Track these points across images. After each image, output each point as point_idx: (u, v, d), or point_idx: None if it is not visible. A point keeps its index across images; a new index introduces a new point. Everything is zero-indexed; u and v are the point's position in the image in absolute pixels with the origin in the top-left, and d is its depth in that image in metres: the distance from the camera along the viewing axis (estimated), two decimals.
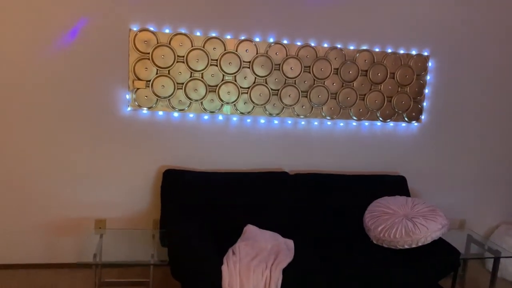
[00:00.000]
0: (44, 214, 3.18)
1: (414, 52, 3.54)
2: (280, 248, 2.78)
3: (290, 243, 2.90)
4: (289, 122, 3.47)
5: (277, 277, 2.53)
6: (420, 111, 3.63)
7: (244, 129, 3.40)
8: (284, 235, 3.01)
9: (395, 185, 3.52)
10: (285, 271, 2.59)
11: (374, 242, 3.05)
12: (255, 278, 2.51)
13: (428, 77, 3.61)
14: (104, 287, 3.00)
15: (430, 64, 3.59)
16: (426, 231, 2.88)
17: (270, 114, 3.38)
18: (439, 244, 2.92)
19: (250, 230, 2.97)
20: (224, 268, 2.52)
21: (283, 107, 3.39)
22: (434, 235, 2.89)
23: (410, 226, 2.92)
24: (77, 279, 3.10)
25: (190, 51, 3.14)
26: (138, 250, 2.92)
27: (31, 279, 3.06)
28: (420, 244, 2.88)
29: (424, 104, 3.65)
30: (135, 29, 3.07)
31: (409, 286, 2.88)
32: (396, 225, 2.97)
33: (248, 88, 3.29)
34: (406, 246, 2.90)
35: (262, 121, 3.42)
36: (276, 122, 3.44)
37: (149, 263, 2.68)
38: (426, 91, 3.63)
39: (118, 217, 3.28)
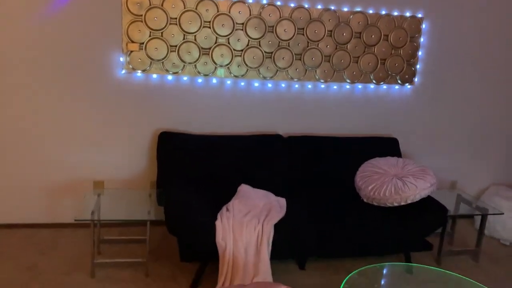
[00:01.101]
0: (44, 176, 3.26)
1: (408, 14, 3.53)
2: (272, 205, 2.87)
3: (282, 201, 2.99)
4: (283, 85, 3.50)
5: (269, 232, 2.63)
6: (413, 74, 3.66)
7: (238, 92, 3.43)
8: (278, 195, 3.09)
9: (387, 147, 3.59)
10: (276, 226, 2.68)
11: (365, 201, 3.13)
12: (247, 233, 2.60)
13: (421, 39, 3.61)
14: (103, 244, 3.10)
15: (423, 26, 3.59)
16: (415, 189, 2.95)
17: (264, 77, 3.41)
18: (428, 202, 3.00)
19: (244, 189, 3.05)
20: (218, 223, 2.61)
21: (277, 70, 3.41)
22: (423, 193, 2.97)
23: (400, 184, 3.00)
24: (77, 237, 3.21)
25: (183, 13, 3.14)
26: (135, 209, 3.00)
27: (33, 238, 3.17)
28: (409, 201, 2.96)
29: (418, 66, 3.66)
30: None
31: (398, 242, 2.98)
32: (386, 184, 3.04)
33: (242, 50, 3.31)
34: (396, 204, 2.99)
35: (256, 84, 3.45)
36: (270, 85, 3.47)
37: (146, 220, 2.76)
38: (420, 53, 3.64)
39: (115, 179, 3.35)
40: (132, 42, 3.13)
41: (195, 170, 3.18)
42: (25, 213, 3.29)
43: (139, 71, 3.20)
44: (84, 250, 3.03)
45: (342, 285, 2.09)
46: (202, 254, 2.67)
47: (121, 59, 3.17)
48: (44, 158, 3.23)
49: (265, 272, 2.54)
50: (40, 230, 3.28)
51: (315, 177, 3.38)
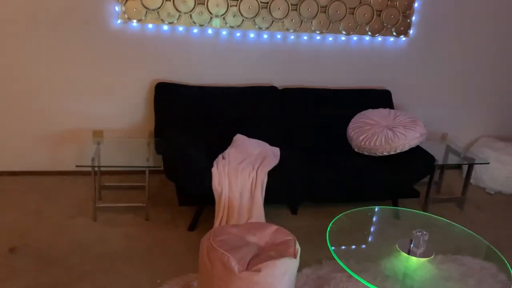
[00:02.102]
0: (44, 125, 3.34)
1: None
2: (267, 154, 2.98)
3: (277, 150, 3.09)
4: (279, 36, 3.51)
5: (262, 178, 2.75)
6: (408, 26, 3.66)
7: (234, 43, 3.45)
8: (272, 144, 3.19)
9: (380, 99, 3.66)
10: (270, 173, 2.80)
11: (356, 150, 3.24)
12: (242, 179, 2.72)
13: None
14: (104, 190, 3.23)
15: None
16: (405, 139, 3.05)
17: (260, 28, 3.41)
18: (416, 151, 3.11)
19: (239, 138, 3.14)
20: (214, 170, 2.72)
21: (273, 21, 3.41)
22: (412, 143, 3.07)
23: (390, 135, 3.09)
24: (79, 184, 3.34)
25: None
26: (134, 157, 3.10)
27: (36, 184, 3.29)
28: (398, 151, 3.07)
29: (413, 18, 3.67)
30: None
31: (386, 188, 3.12)
32: (377, 134, 3.14)
33: (237, 0, 3.30)
34: (385, 153, 3.09)
35: (252, 35, 3.46)
36: (265, 36, 3.49)
37: (145, 166, 2.87)
38: (416, 5, 3.63)
39: (114, 128, 3.44)
40: None
41: (192, 120, 3.26)
42: (28, 161, 3.40)
43: (135, 21, 3.20)
44: (86, 195, 3.16)
45: (329, 226, 2.22)
46: (199, 198, 2.81)
47: (117, 8, 3.16)
48: (44, 107, 3.30)
49: (258, 215, 2.69)
50: (42, 177, 3.40)
51: (309, 128, 3.47)
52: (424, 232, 2.04)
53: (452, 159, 3.55)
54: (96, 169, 3.00)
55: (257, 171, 2.77)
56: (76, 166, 2.76)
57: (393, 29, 3.64)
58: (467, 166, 3.45)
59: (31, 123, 3.32)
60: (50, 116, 3.33)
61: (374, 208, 2.64)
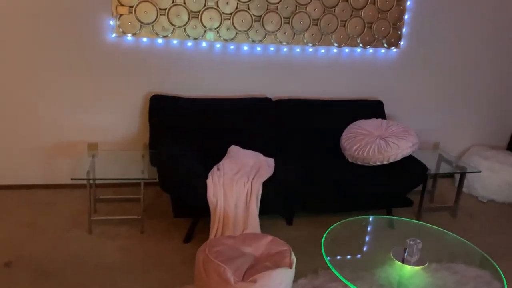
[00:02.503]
0: (39, 138, 3.35)
1: None
2: (261, 164, 3.00)
3: (271, 161, 3.11)
4: (272, 49, 3.56)
5: (258, 189, 2.77)
6: (399, 37, 3.73)
7: (228, 56, 3.50)
8: (267, 155, 3.21)
9: (372, 109, 3.70)
10: (265, 183, 2.82)
11: (350, 160, 3.28)
12: (237, 190, 2.74)
13: (408, 3, 3.67)
14: (99, 203, 3.24)
15: None
16: (397, 149, 3.10)
17: (253, 41, 3.46)
18: (409, 161, 3.15)
19: (234, 149, 3.17)
20: (209, 181, 2.74)
21: (266, 34, 3.46)
22: (405, 152, 3.11)
23: (383, 144, 3.13)
24: (74, 197, 3.34)
25: None
26: (129, 169, 3.11)
27: (31, 198, 3.29)
28: (391, 160, 3.11)
29: (404, 30, 3.74)
30: None
31: (380, 198, 3.15)
32: (370, 144, 3.18)
33: (231, 14, 3.35)
34: (378, 163, 3.13)
35: (245, 48, 3.51)
36: (259, 49, 3.53)
37: (139, 179, 2.88)
38: (406, 17, 3.70)
39: (109, 141, 3.45)
40: (122, 5, 3.15)
41: (186, 132, 3.28)
42: (23, 174, 3.40)
43: (129, 35, 3.24)
44: (81, 208, 3.16)
45: (324, 236, 2.24)
46: (194, 210, 2.82)
47: (111, 22, 3.20)
48: (39, 120, 3.31)
49: (254, 225, 2.70)
50: (37, 191, 3.40)
51: (303, 138, 3.50)
52: (418, 241, 2.06)
53: (444, 168, 3.59)
54: (91, 182, 3.00)
55: (252, 182, 2.79)
56: (72, 179, 2.77)
57: (384, 41, 3.70)
58: (459, 175, 3.49)
59: (26, 136, 3.33)
60: (44, 129, 3.34)
61: (369, 218, 2.67)
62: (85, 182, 2.82)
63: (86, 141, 3.40)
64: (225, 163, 2.96)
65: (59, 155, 3.41)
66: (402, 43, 3.77)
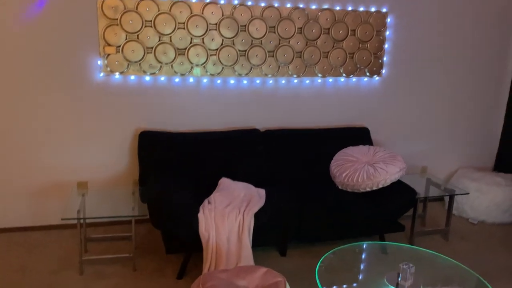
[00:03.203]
0: (28, 179, 3.33)
1: (373, 9, 3.71)
2: (252, 196, 3.01)
3: (262, 191, 3.13)
4: (258, 81, 3.64)
5: (249, 221, 2.77)
6: (380, 66, 3.85)
7: (215, 90, 3.56)
8: (257, 186, 3.22)
9: (359, 136, 3.77)
10: (257, 215, 2.82)
11: (340, 187, 3.30)
12: (229, 223, 2.74)
13: (387, 33, 3.81)
14: (90, 242, 3.19)
15: (388, 20, 3.78)
16: (386, 174, 3.14)
17: (239, 75, 3.54)
18: (398, 186, 3.18)
19: (224, 182, 3.18)
20: (200, 215, 2.74)
21: (251, 67, 3.55)
22: (393, 177, 3.15)
23: (371, 170, 3.17)
24: (64, 238, 3.29)
25: (157, 15, 3.25)
26: (120, 207, 3.09)
27: (20, 241, 3.23)
28: (380, 186, 3.14)
29: (385, 59, 3.86)
30: None
31: (372, 224, 3.16)
32: (358, 170, 3.22)
33: (216, 50, 3.43)
34: (368, 189, 3.16)
35: (232, 81, 3.58)
36: (245, 82, 3.61)
37: (130, 216, 2.86)
38: (386, 46, 3.83)
39: (99, 179, 3.44)
40: (109, 45, 3.22)
41: (176, 166, 3.29)
42: (12, 216, 3.35)
43: (117, 73, 3.29)
44: (72, 249, 3.11)
45: (318, 265, 2.24)
46: (186, 245, 2.79)
47: (99, 62, 3.26)
48: (28, 161, 3.30)
49: (247, 258, 2.68)
50: (27, 233, 3.34)
51: (293, 168, 3.53)
52: (411, 265, 2.07)
53: (433, 192, 3.63)
54: (82, 221, 2.98)
55: (243, 214, 2.79)
56: (62, 219, 2.74)
57: (366, 70, 3.81)
58: (448, 197, 3.53)
59: (14, 178, 3.30)
60: (33, 169, 3.32)
61: (361, 244, 2.67)
62: (75, 222, 2.79)
63: (76, 180, 3.39)
64: (216, 196, 2.96)
65: (49, 196, 3.39)
66: (383, 71, 3.88)
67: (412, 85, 4.01)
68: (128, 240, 3.22)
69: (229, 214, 2.77)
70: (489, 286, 2.20)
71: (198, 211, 2.77)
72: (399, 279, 2.08)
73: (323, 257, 2.30)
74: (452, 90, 4.13)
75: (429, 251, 2.64)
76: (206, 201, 2.93)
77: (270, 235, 2.94)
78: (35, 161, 3.31)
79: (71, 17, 3.15)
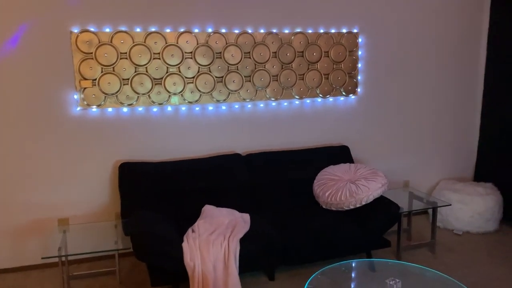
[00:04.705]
0: (6, 219, 3.24)
1: (344, 30, 3.81)
2: (237, 221, 2.99)
3: (246, 216, 3.11)
4: (236, 106, 3.67)
5: (235, 247, 2.73)
6: (355, 85, 3.92)
7: (194, 117, 3.57)
8: (241, 211, 3.21)
9: (340, 155, 3.80)
10: (242, 240, 2.79)
11: (324, 207, 3.31)
12: (214, 250, 2.70)
13: (359, 53, 3.90)
14: (73, 280, 3.10)
15: (360, 40, 3.88)
16: (368, 191, 3.16)
17: (217, 101, 3.56)
18: (381, 201, 3.20)
19: (208, 209, 3.15)
20: (184, 245, 2.70)
21: (229, 93, 3.58)
22: (375, 193, 3.18)
23: (353, 188, 3.19)
24: (46, 277, 3.19)
25: (132, 47, 3.28)
26: (102, 241, 3.03)
27: (1, 283, 3.12)
28: (363, 203, 3.16)
29: (359, 77, 3.94)
30: (75, 30, 3.17)
31: (357, 242, 3.15)
32: (341, 189, 3.23)
33: (193, 77, 3.46)
34: (351, 207, 3.18)
35: (211, 108, 3.60)
36: (224, 107, 3.63)
37: (113, 250, 2.80)
38: (359, 65, 3.92)
39: (80, 214, 3.38)
40: (85, 79, 3.22)
41: (158, 197, 3.25)
42: None
43: (94, 107, 3.28)
44: None
45: (306, 286, 2.22)
46: (172, 276, 2.74)
47: (75, 96, 3.25)
48: (5, 200, 3.22)
49: (234, 285, 2.64)
50: (7, 275, 3.24)
51: (276, 190, 3.52)
52: (397, 280, 2.06)
53: (417, 205, 3.66)
54: (64, 259, 2.90)
55: (228, 240, 2.76)
56: (42, 258, 2.67)
57: (342, 89, 3.88)
58: (432, 210, 3.56)
59: None
60: (12, 208, 3.24)
61: (348, 263, 2.66)
62: (57, 260, 2.71)
63: (57, 217, 3.32)
64: (199, 224, 2.93)
65: (29, 235, 3.30)
66: (359, 89, 3.96)
67: (387, 101, 4.09)
68: (113, 274, 3.14)
69: (214, 242, 2.73)
70: None
71: (182, 241, 2.73)
72: None
73: (309, 279, 2.28)
74: (429, 103, 4.23)
75: (416, 265, 2.65)
76: (190, 230, 2.89)
77: (256, 260, 2.91)
78: (13, 200, 3.24)
79: (45, 53, 3.15)
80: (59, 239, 2.90)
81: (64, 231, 3.07)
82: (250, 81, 3.61)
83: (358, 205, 3.15)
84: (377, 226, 3.13)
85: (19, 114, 3.17)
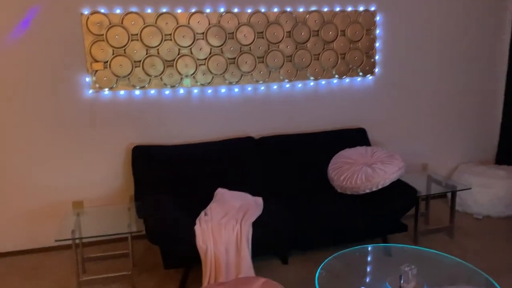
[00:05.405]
0: (23, 202, 3.28)
1: (361, 8, 3.68)
2: (249, 205, 2.95)
3: (259, 200, 3.07)
4: (249, 88, 3.60)
5: (247, 230, 2.71)
6: (373, 65, 3.80)
7: (206, 100, 3.52)
8: (255, 194, 3.17)
9: (356, 137, 3.71)
10: (255, 224, 2.76)
11: (339, 191, 3.24)
12: (226, 234, 2.68)
13: (377, 31, 3.76)
14: (88, 262, 3.14)
15: (378, 18, 3.74)
16: (384, 174, 3.07)
17: (230, 83, 3.50)
18: (398, 185, 3.12)
19: (220, 192, 3.13)
20: (197, 228, 2.68)
21: (242, 75, 3.51)
22: (392, 177, 3.09)
23: (370, 171, 3.11)
24: (62, 259, 3.24)
25: (143, 28, 3.22)
26: (116, 224, 3.02)
27: (17, 265, 3.18)
28: (380, 187, 3.07)
29: (377, 57, 3.81)
30: (86, 12, 3.13)
31: (373, 226, 3.09)
32: (356, 172, 3.16)
33: (205, 59, 3.40)
34: (367, 191, 3.10)
35: (223, 90, 3.54)
36: (236, 90, 3.57)
37: (126, 233, 2.80)
38: (377, 44, 3.79)
39: (95, 197, 3.39)
40: (96, 61, 3.19)
41: (172, 179, 3.24)
42: (8, 240, 3.30)
43: (106, 89, 3.26)
44: (70, 270, 3.06)
45: (317, 272, 2.18)
46: (185, 259, 2.74)
47: (87, 79, 3.23)
48: (21, 184, 3.26)
49: (247, 269, 2.62)
50: (24, 257, 3.29)
51: (289, 174, 3.47)
52: (412, 266, 2.00)
53: (435, 189, 3.56)
54: (78, 241, 2.92)
55: (240, 224, 2.73)
56: (55, 240, 2.69)
57: (359, 70, 3.77)
58: (451, 194, 3.45)
59: (8, 202, 3.26)
60: (27, 192, 3.28)
61: (363, 248, 2.61)
62: (70, 242, 2.73)
63: (71, 200, 3.34)
64: (212, 207, 2.91)
65: (44, 217, 3.34)
66: (377, 70, 3.83)
67: (406, 82, 3.95)
68: (126, 257, 3.16)
69: (226, 225, 2.71)
70: (495, 284, 2.12)
71: (194, 224, 2.71)
72: (402, 281, 2.01)
73: (322, 264, 2.24)
74: (449, 84, 4.08)
75: (433, 251, 2.57)
76: (202, 213, 2.87)
77: (269, 244, 2.88)
78: (29, 183, 3.27)
79: (57, 36, 3.12)
80: (73, 222, 2.91)
81: (78, 214, 3.09)
82: (263, 62, 3.53)
83: (374, 189, 3.07)
84: (393, 210, 3.05)
85: (32, 98, 3.17)
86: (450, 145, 4.22)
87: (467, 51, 4.05)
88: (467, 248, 3.27)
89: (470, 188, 3.53)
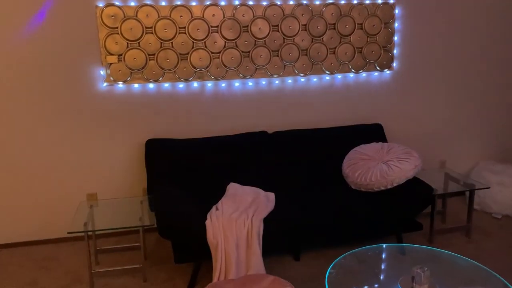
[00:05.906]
0: (38, 194, 3.32)
1: (379, 1, 3.58)
2: (261, 200, 2.93)
3: (271, 195, 3.04)
4: (263, 82, 3.55)
5: (258, 226, 2.68)
6: (391, 59, 3.71)
7: (220, 93, 3.49)
8: (267, 190, 3.14)
9: (372, 133, 3.63)
10: (266, 220, 2.74)
11: (353, 187, 3.19)
12: (237, 229, 2.66)
13: (396, 25, 3.67)
14: (100, 254, 3.17)
15: (396, 11, 3.64)
16: (400, 172, 3.01)
17: (244, 77, 3.46)
18: (414, 183, 3.04)
19: (232, 187, 3.11)
20: (208, 222, 2.67)
21: (256, 68, 3.47)
22: (408, 175, 3.02)
23: (385, 168, 3.05)
24: (75, 250, 3.27)
25: (158, 21, 3.21)
26: (128, 217, 3.05)
27: (31, 255, 3.23)
28: (395, 184, 3.01)
29: (395, 51, 3.72)
30: (101, 5, 3.13)
31: (388, 225, 3.03)
32: (371, 169, 3.10)
33: (219, 52, 3.37)
34: (382, 188, 3.04)
35: (237, 84, 3.50)
36: (250, 84, 3.53)
37: (138, 226, 2.82)
38: (395, 38, 3.69)
39: (108, 189, 3.42)
40: (111, 54, 3.19)
41: (184, 173, 3.23)
42: (23, 231, 3.36)
43: (121, 82, 3.26)
44: (83, 262, 3.09)
45: (328, 271, 2.14)
46: (195, 254, 2.73)
47: (102, 72, 3.23)
48: (37, 176, 3.30)
49: (257, 265, 2.60)
50: (38, 247, 3.34)
51: (303, 169, 3.43)
52: (425, 268, 1.95)
53: (452, 187, 3.48)
54: (90, 233, 2.95)
55: (252, 219, 2.71)
56: (68, 232, 2.71)
57: (376, 64, 3.68)
58: (469, 192, 3.36)
59: (23, 192, 3.31)
60: (43, 183, 3.32)
61: (376, 247, 2.56)
62: (83, 234, 2.76)
63: (85, 192, 3.38)
64: (223, 202, 2.89)
65: (59, 209, 3.38)
66: (394, 64, 3.74)
67: (425, 77, 3.85)
68: (139, 250, 3.18)
69: (237, 220, 2.69)
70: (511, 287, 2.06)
71: (205, 219, 2.70)
72: (414, 283, 1.96)
73: (333, 263, 2.20)
74: (469, 79, 3.96)
75: (448, 252, 2.51)
76: (214, 208, 2.86)
77: (281, 241, 2.85)
78: (44, 175, 3.31)
79: (71, 28, 3.13)
80: (86, 214, 2.94)
81: (91, 206, 3.11)
82: (278, 55, 3.48)
83: (389, 187, 3.01)
84: (408, 209, 2.99)
85: (47, 91, 3.20)
86: (469, 142, 4.11)
87: (489, 45, 3.92)
88: (485, 248, 3.19)
89: (489, 187, 3.44)
